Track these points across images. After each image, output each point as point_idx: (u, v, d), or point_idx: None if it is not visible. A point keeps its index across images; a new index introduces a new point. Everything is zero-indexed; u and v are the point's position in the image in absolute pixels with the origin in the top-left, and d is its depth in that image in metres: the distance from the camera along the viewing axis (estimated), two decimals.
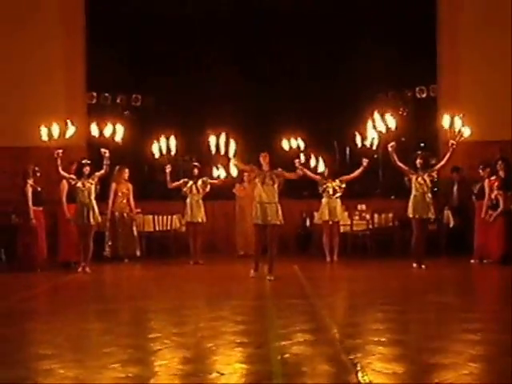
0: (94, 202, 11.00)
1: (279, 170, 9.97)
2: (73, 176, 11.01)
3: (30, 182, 11.26)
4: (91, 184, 10.98)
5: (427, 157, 11.55)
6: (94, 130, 11.01)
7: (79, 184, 10.96)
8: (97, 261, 11.73)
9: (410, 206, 10.99)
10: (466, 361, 4.81)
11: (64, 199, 11.59)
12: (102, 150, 10.88)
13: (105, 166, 10.96)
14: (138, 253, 12.87)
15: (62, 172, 10.85)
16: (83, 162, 11.17)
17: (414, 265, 10.93)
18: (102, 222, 11.88)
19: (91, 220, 10.95)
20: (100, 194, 11.46)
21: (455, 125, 10.64)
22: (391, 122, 10.84)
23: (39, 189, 11.40)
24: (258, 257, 10.06)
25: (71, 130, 10.80)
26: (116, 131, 11.05)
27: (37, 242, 11.30)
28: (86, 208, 10.94)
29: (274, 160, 10.09)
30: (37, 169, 11.33)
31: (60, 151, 10.58)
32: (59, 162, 10.63)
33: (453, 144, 10.62)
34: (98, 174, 11.07)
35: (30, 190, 11.22)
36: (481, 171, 11.99)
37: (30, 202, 11.21)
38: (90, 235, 11.07)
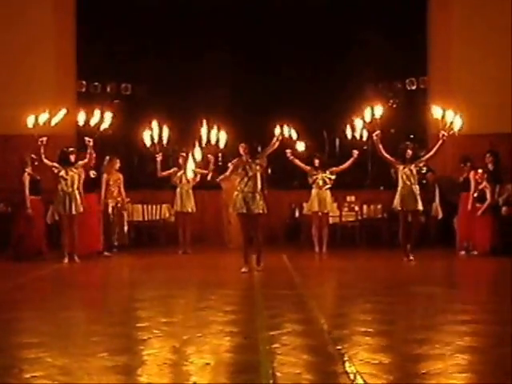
0: (76, 192, 10.85)
1: (259, 154, 9.62)
2: (56, 164, 10.86)
3: (28, 170, 11.13)
4: (74, 173, 10.86)
5: (416, 148, 11.38)
6: (81, 118, 10.92)
7: (62, 172, 10.81)
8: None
9: (397, 198, 10.81)
10: (454, 352, 4.83)
11: (81, 188, 11.39)
12: (86, 138, 10.77)
13: (88, 155, 10.86)
14: (127, 241, 12.84)
15: (46, 160, 10.73)
16: (69, 149, 11.04)
17: (404, 259, 10.72)
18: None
19: (73, 210, 10.80)
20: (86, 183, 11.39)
21: (447, 116, 10.56)
22: (377, 110, 10.70)
23: (38, 177, 11.29)
24: (247, 249, 9.66)
25: (57, 118, 10.70)
26: (103, 120, 10.95)
27: (33, 231, 11.18)
28: (68, 197, 10.78)
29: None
30: (35, 157, 11.22)
31: (44, 139, 10.48)
32: (43, 150, 10.54)
33: (443, 135, 10.48)
34: (81, 162, 10.95)
35: (27, 179, 11.10)
36: (462, 165, 12.01)
37: (27, 191, 11.09)
38: (74, 225, 10.90)
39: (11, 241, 11.48)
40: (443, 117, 10.60)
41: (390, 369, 4.49)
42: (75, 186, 10.87)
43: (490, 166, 12.21)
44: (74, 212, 10.82)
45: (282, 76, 15.55)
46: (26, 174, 11.13)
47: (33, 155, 11.21)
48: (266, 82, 15.53)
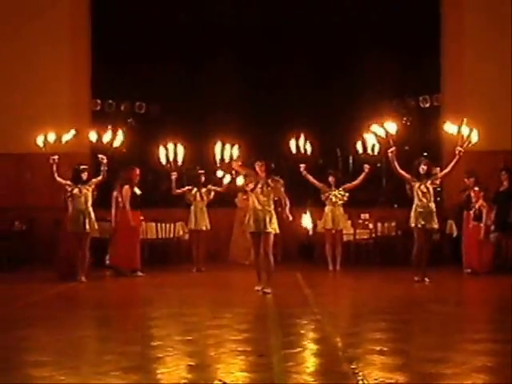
0: (90, 209, 10.76)
1: (278, 179, 9.27)
2: (69, 182, 10.78)
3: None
4: (88, 190, 10.75)
5: (430, 164, 10.97)
6: (93, 137, 10.92)
7: (76, 190, 10.72)
8: (101, 268, 11.72)
9: (413, 216, 10.51)
10: (469, 371, 4.79)
11: (128, 205, 11.45)
12: (100, 155, 10.73)
13: (102, 173, 10.77)
14: None
15: (58, 178, 10.68)
16: (81, 167, 10.92)
17: (416, 278, 10.40)
18: (106, 229, 11.85)
19: (87, 227, 10.70)
20: (98, 200, 11.39)
21: (463, 131, 10.24)
22: (391, 127, 10.41)
23: None
24: (260, 268, 9.33)
25: (68, 136, 10.68)
26: (115, 137, 10.90)
27: (77, 249, 10.99)
28: (81, 215, 10.68)
29: (281, 165, 9.78)
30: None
31: (56, 157, 10.46)
32: (55, 168, 10.50)
33: (460, 151, 10.13)
34: (95, 180, 10.85)
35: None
36: (466, 180, 11.73)
37: (71, 209, 10.95)
38: (86, 243, 10.77)
39: (55, 259, 11.32)
40: (459, 132, 10.28)
41: None
42: (89, 204, 10.78)
43: (505, 184, 12.14)
44: (87, 230, 10.75)
45: (295, 93, 15.58)
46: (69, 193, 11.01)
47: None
48: (279, 99, 15.57)
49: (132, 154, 13.98)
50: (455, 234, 12.98)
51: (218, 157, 11.59)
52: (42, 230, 13.62)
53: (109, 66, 14.88)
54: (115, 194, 12.41)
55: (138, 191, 11.71)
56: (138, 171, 11.76)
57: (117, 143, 10.95)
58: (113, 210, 12.33)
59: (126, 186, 11.53)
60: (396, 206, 14.28)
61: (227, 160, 11.51)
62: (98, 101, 15.27)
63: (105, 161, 10.70)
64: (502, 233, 11.76)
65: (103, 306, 8.59)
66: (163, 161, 11.87)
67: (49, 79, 14.22)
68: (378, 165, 12.65)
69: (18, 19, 14.36)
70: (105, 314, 7.86)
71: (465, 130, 10.30)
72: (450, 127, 10.52)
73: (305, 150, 11.66)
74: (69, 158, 11.34)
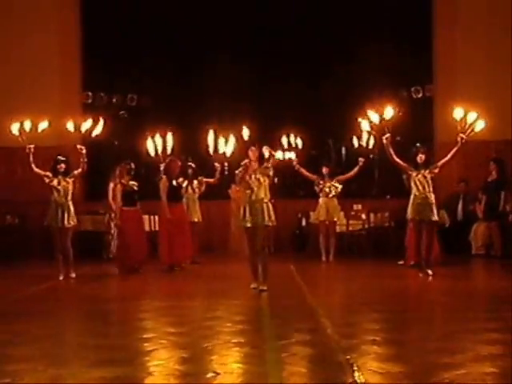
0: (70, 203, 10.30)
1: (268, 164, 8.54)
2: (48, 174, 10.32)
3: (124, 181, 10.90)
4: (68, 183, 10.30)
5: (428, 152, 10.39)
6: (70, 126, 10.52)
7: (54, 182, 10.25)
8: (98, 262, 11.67)
9: (410, 207, 9.86)
10: (464, 360, 4.79)
11: (164, 197, 11.15)
12: (78, 146, 10.27)
13: (82, 164, 10.30)
14: None
15: (36, 169, 10.24)
16: (57, 158, 10.44)
17: (420, 274, 9.97)
18: (99, 222, 11.77)
19: (65, 222, 10.22)
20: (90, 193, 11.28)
21: (468, 118, 9.75)
22: (387, 112, 9.88)
23: (134, 188, 11.03)
24: (255, 264, 8.63)
25: (43, 125, 10.32)
26: (95, 126, 10.47)
27: (128, 242, 10.88)
28: (60, 209, 10.21)
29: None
30: (133, 167, 10.96)
31: (31, 146, 10.06)
32: (31, 158, 10.08)
33: (462, 138, 9.64)
34: (76, 172, 10.39)
35: (119, 190, 10.87)
36: None
37: (119, 201, 10.85)
38: (67, 238, 10.32)
39: (116, 254, 11.22)
40: (464, 118, 9.76)
41: (399, 378, 4.45)
42: (69, 197, 10.31)
43: (494, 174, 12.17)
44: (66, 225, 10.26)
45: (288, 86, 15.56)
46: (118, 184, 10.90)
47: (121, 165, 11.02)
48: (272, 91, 15.54)
49: (124, 146, 13.93)
50: (447, 224, 12.98)
51: (211, 149, 11.57)
52: (34, 224, 13.56)
53: (100, 58, 14.82)
54: (111, 185, 12.31)
55: (176, 183, 11.38)
56: (179, 163, 11.44)
57: (96, 132, 10.50)
58: (110, 201, 12.07)
59: (164, 178, 11.24)
60: (388, 196, 14.29)
61: (221, 151, 11.51)
62: (90, 93, 15.22)
63: (84, 151, 10.22)
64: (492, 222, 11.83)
65: (96, 300, 8.54)
66: (152, 153, 11.78)
67: (39, 72, 14.16)
68: (371, 156, 12.63)
69: (7, 11, 14.28)
70: (97, 308, 7.82)
71: (471, 117, 9.82)
72: (458, 113, 9.86)
73: (296, 145, 11.68)
74: (59, 151, 11.24)
